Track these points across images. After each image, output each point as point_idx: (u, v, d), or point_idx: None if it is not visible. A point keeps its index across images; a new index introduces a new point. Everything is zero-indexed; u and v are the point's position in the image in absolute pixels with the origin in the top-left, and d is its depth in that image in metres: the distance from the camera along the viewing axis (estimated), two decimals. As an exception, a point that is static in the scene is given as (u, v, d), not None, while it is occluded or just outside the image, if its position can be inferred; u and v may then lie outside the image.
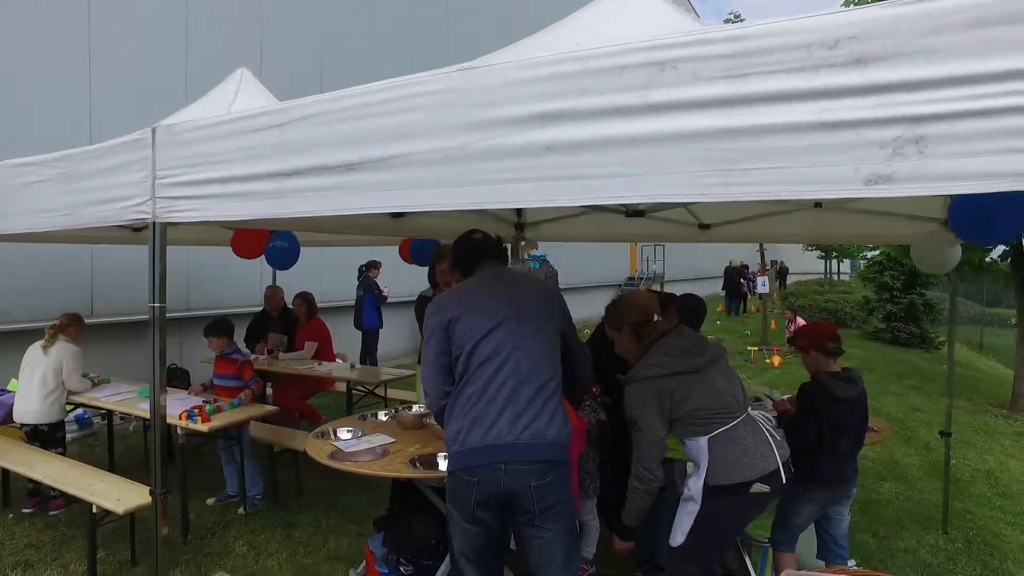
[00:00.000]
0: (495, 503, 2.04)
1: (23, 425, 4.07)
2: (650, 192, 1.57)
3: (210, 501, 4.16)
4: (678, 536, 2.34)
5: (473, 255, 2.31)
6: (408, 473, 2.48)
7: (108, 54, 6.28)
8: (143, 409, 3.98)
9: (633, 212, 3.68)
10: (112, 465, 4.81)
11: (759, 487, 2.26)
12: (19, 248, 5.18)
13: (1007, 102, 1.22)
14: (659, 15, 2.57)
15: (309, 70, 8.27)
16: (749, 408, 2.41)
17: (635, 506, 2.37)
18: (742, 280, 17.56)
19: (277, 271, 6.57)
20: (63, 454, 4.06)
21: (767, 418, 2.44)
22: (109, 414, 4.82)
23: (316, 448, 2.79)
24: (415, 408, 3.40)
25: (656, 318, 2.48)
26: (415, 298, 6.72)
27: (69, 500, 3.87)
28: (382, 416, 3.35)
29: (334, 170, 2.10)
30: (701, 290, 22.98)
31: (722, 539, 2.45)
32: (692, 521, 2.29)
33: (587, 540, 3.30)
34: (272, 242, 4.43)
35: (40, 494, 4.05)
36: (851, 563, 3.39)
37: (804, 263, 29.55)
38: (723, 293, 18.39)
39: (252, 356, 5.84)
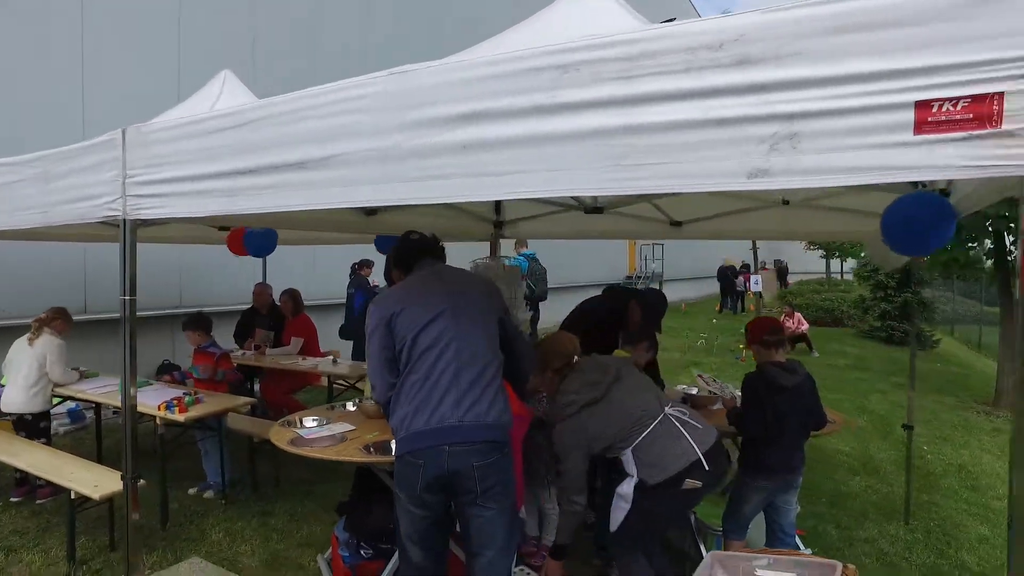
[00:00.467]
0: (439, 485, 2.14)
1: (9, 415, 4.21)
2: (558, 187, 1.67)
3: (192, 491, 4.29)
4: (613, 524, 2.55)
5: (411, 254, 2.44)
6: (360, 458, 2.59)
7: (101, 55, 6.42)
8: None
9: (592, 209, 3.76)
10: (100, 456, 4.95)
11: (691, 483, 2.42)
12: (14, 246, 5.33)
13: (867, 101, 1.31)
14: (612, 16, 2.69)
15: (303, 70, 8.40)
16: (667, 408, 2.57)
17: (566, 527, 2.64)
18: (738, 278, 17.58)
19: (268, 268, 6.74)
20: (47, 444, 4.19)
21: (682, 412, 2.60)
22: (97, 407, 4.95)
23: (279, 435, 2.90)
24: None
25: (575, 359, 2.71)
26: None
27: (56, 489, 3.99)
28: (350, 406, 3.46)
29: (283, 168, 2.21)
30: (701, 289, 23.01)
31: (654, 531, 2.61)
32: (623, 516, 2.50)
33: (547, 528, 3.39)
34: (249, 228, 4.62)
35: (28, 483, 4.19)
36: (808, 552, 3.47)
37: (807, 263, 29.48)
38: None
39: (240, 351, 5.99)
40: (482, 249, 5.41)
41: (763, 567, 2.02)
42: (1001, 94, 1.20)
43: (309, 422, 3.12)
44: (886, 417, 6.65)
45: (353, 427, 3.00)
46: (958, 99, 1.23)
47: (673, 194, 3.85)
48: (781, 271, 24.04)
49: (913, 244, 2.35)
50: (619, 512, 2.55)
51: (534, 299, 8.89)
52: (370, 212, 4.19)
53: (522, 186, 1.72)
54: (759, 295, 12.56)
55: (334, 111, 2.06)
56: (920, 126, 1.27)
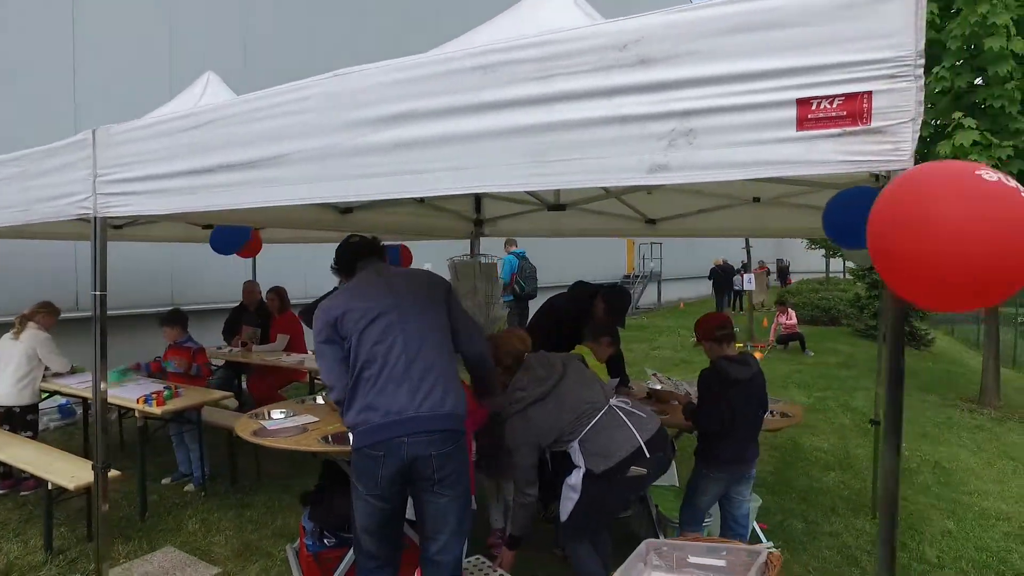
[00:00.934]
0: (400, 475, 2.19)
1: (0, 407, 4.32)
2: (480, 183, 1.74)
3: (165, 480, 4.41)
4: (563, 514, 2.63)
5: (351, 257, 2.49)
6: (317, 447, 2.67)
7: (93, 56, 6.54)
8: (116, 396, 4.21)
9: (553, 206, 3.82)
10: (87, 450, 5.06)
11: (635, 470, 2.49)
12: (5, 244, 5.45)
13: (756, 99, 1.38)
14: (567, 15, 2.76)
15: (293, 70, 8.51)
16: (611, 400, 2.66)
17: (519, 519, 2.72)
18: (735, 277, 17.59)
19: (260, 267, 6.83)
20: (33, 437, 4.29)
21: (625, 402, 2.69)
22: (84, 402, 5.05)
23: (244, 426, 2.98)
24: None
25: (526, 356, 2.80)
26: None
27: (40, 482, 4.09)
28: (319, 399, 3.54)
29: (237, 167, 2.30)
30: (700, 289, 22.97)
31: (601, 519, 2.68)
32: (572, 506, 2.58)
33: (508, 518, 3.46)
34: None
35: (12, 476, 4.29)
36: (768, 544, 3.52)
37: (810, 262, 29.40)
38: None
39: (227, 348, 6.09)
40: (463, 247, 5.49)
41: (695, 554, 2.08)
42: (870, 93, 1.26)
43: (276, 414, 3.21)
44: (868, 414, 6.66)
45: (317, 419, 3.08)
46: (834, 97, 1.30)
47: (644, 190, 3.91)
48: (782, 270, 24.03)
49: (849, 238, 2.40)
50: (568, 502, 2.63)
51: (524, 297, 8.95)
52: (345, 211, 4.27)
53: (449, 183, 1.79)
54: (752, 294, 12.59)
55: (281, 112, 2.14)
56: (801, 122, 1.33)
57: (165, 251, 7.09)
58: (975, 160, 5.43)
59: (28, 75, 6.10)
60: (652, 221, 4.71)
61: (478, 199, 5.12)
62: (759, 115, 1.37)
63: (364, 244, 2.53)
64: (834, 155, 1.31)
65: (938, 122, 6.18)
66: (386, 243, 5.19)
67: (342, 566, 2.84)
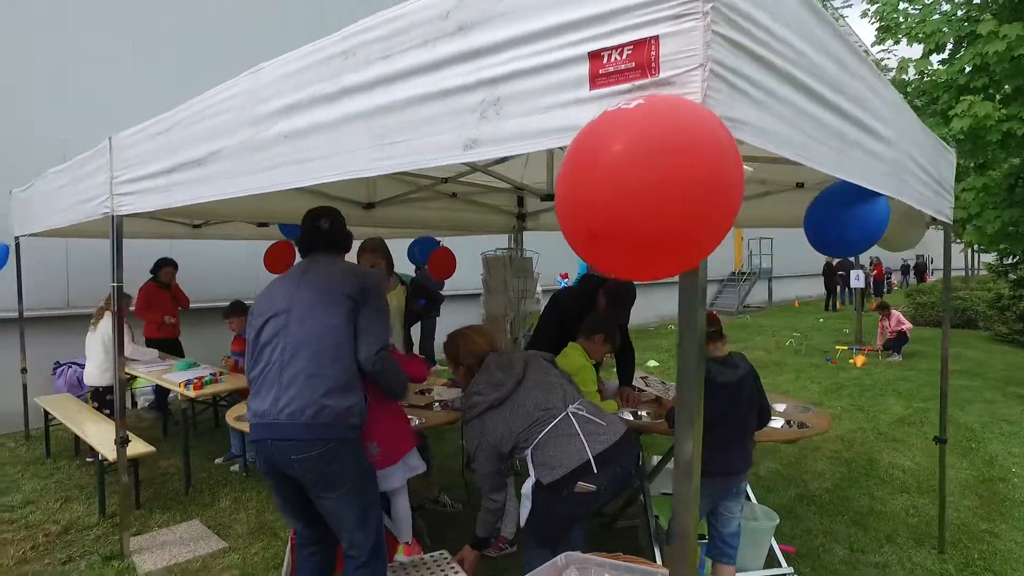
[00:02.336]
0: (275, 471, 2.22)
1: (90, 387, 4.94)
2: (341, 171, 1.71)
3: (218, 460, 4.78)
4: (521, 521, 2.51)
5: (306, 244, 2.43)
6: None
7: (154, 58, 7.23)
8: (166, 380, 4.66)
9: (545, 197, 3.63)
10: (165, 430, 5.66)
11: (583, 486, 2.32)
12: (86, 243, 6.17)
13: (553, 57, 1.23)
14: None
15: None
16: (570, 407, 2.47)
17: (484, 522, 2.65)
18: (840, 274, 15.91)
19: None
20: (110, 415, 4.85)
21: (580, 408, 2.48)
22: (159, 388, 5.62)
23: (234, 410, 3.16)
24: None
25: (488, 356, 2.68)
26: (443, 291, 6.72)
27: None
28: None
29: (190, 165, 2.45)
30: (818, 287, 21.00)
31: (554, 531, 2.49)
32: (527, 515, 2.45)
33: (506, 520, 3.37)
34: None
35: (97, 447, 4.89)
36: (789, 571, 3.13)
37: (957, 258, 25.86)
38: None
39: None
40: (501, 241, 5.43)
41: (612, 572, 1.89)
42: (657, 38, 1.07)
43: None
44: (977, 431, 5.72)
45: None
46: (623, 47, 1.12)
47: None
48: (920, 267, 21.42)
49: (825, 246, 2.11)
50: (524, 511, 2.50)
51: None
52: (367, 206, 4.37)
53: (320, 172, 1.77)
54: (860, 292, 11.30)
55: (219, 110, 2.25)
56: (594, 80, 1.16)
57: (249, 248, 7.71)
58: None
59: (90, 78, 6.72)
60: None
61: (520, 196, 5.02)
62: (556, 76, 1.21)
63: (324, 234, 2.41)
64: (626, 116, 1.11)
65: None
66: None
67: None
